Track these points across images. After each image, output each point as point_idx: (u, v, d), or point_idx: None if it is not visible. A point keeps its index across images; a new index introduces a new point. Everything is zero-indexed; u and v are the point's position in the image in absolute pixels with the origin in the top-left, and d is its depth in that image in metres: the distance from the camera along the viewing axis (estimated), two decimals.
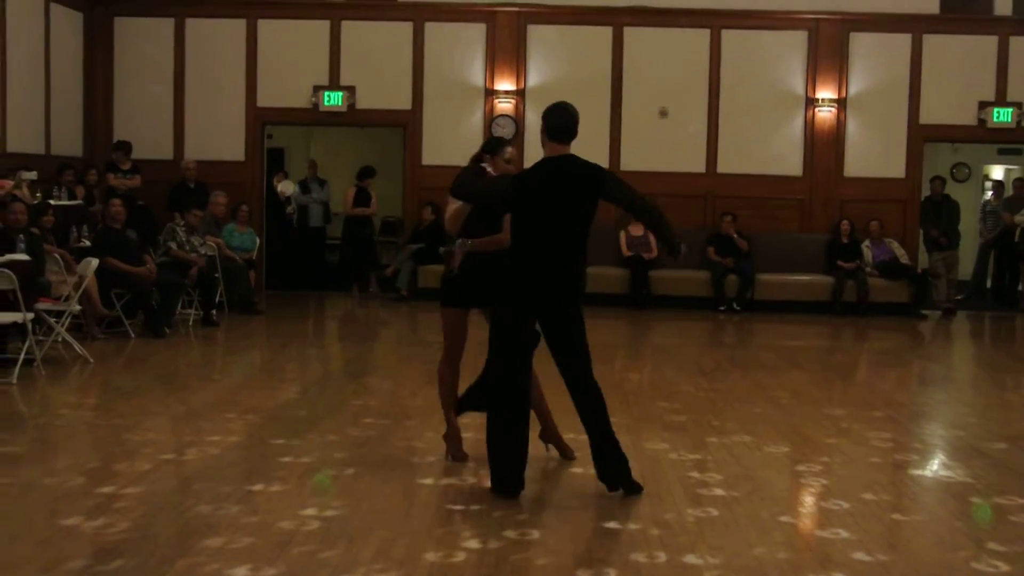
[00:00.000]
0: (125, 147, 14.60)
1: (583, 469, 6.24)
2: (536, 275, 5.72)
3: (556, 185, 5.71)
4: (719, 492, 5.95)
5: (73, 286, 10.17)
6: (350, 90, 15.58)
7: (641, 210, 6.03)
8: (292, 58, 15.68)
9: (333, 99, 15.61)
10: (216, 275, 12.92)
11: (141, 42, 15.75)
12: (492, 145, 6.52)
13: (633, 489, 5.75)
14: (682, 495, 5.88)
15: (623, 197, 5.90)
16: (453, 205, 6.31)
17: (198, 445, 6.80)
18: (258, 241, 14.69)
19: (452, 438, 6.50)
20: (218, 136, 15.69)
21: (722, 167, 15.70)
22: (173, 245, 12.49)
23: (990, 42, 15.62)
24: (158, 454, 6.58)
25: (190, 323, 12.33)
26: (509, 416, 5.73)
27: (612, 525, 5.34)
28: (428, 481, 6.05)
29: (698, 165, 15.74)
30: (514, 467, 5.69)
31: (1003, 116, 15.59)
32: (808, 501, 6.18)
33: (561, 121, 5.83)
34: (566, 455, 6.50)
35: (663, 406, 8.36)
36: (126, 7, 15.71)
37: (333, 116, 15.84)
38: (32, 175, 12.24)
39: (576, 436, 6.55)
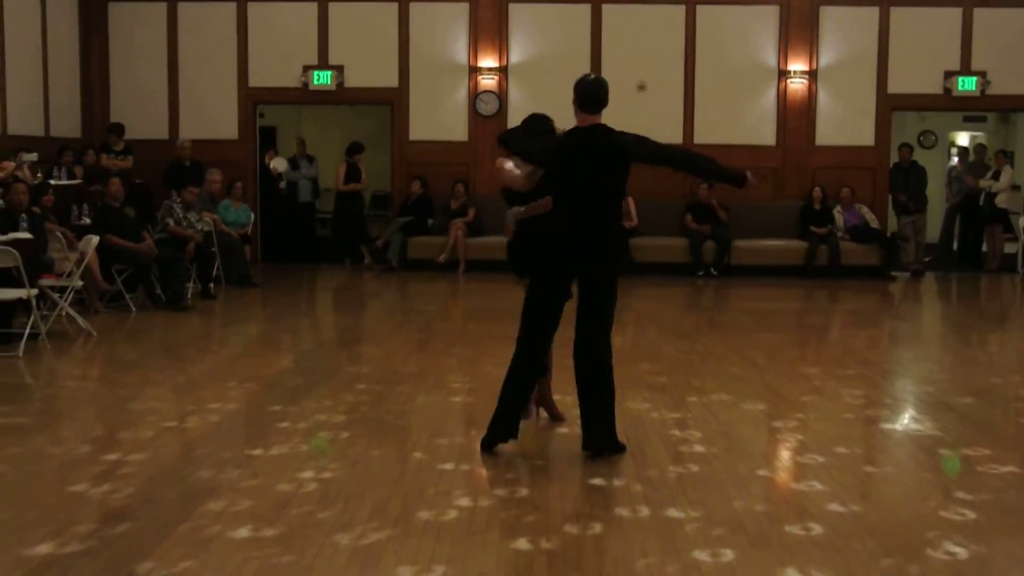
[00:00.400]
0: (118, 129, 14.97)
1: (570, 429, 6.40)
2: (572, 238, 5.76)
3: (586, 152, 5.79)
4: (699, 449, 6.08)
5: (75, 262, 10.25)
6: (338, 69, 15.98)
7: (681, 162, 6.17)
8: (282, 39, 16.07)
9: (322, 78, 16.02)
10: (213, 250, 13.26)
11: (135, 27, 16.14)
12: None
13: (617, 449, 5.87)
14: (664, 452, 6.02)
15: (651, 155, 5.91)
16: (510, 167, 6.20)
17: (199, 413, 6.90)
18: (252, 216, 15.05)
19: (543, 398, 6.61)
20: (212, 116, 16.11)
21: (698, 138, 16.02)
22: (171, 222, 12.80)
23: (954, 14, 16.00)
24: (160, 422, 6.67)
25: (189, 296, 12.50)
26: (527, 371, 5.89)
27: (598, 482, 5.44)
28: (420, 443, 6.13)
29: (675, 136, 16.06)
30: (511, 419, 5.86)
31: (967, 85, 16.01)
32: (784, 456, 6.31)
33: (590, 91, 5.90)
34: (557, 418, 6.65)
35: (645, 368, 8.54)
36: None
37: (322, 95, 16.21)
38: (33, 156, 12.52)
39: (562, 398, 6.87)
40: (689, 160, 6.19)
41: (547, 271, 5.89)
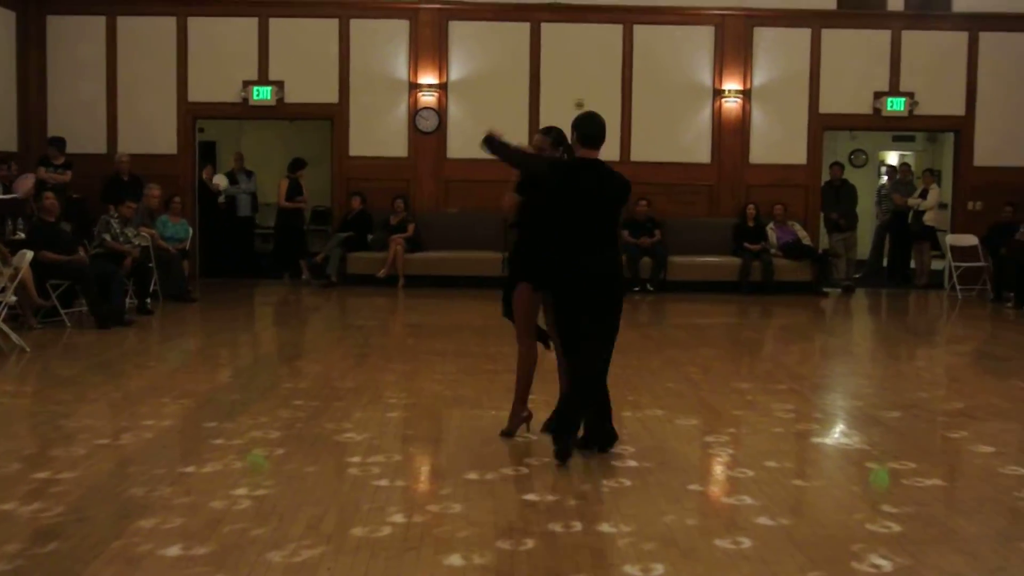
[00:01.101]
0: (59, 143, 14.84)
1: (507, 445, 6.49)
2: (584, 265, 6.17)
3: (595, 184, 6.24)
4: (632, 463, 6.12)
5: (9, 277, 10.15)
6: (279, 84, 15.98)
7: None
8: (222, 54, 16.04)
9: (262, 93, 16.01)
10: (150, 265, 13.20)
11: (74, 40, 16.01)
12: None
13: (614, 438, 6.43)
14: (598, 467, 6.05)
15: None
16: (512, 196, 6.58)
17: (133, 430, 6.81)
18: (191, 231, 15.00)
19: (516, 415, 6.71)
20: (151, 130, 16.01)
21: (635, 155, 16.25)
22: (107, 236, 12.72)
23: (884, 36, 16.39)
24: (94, 439, 6.57)
25: (126, 312, 12.39)
26: (585, 396, 6.26)
27: (531, 497, 5.45)
28: (356, 459, 6.10)
29: (612, 153, 16.24)
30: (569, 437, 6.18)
31: (896, 105, 16.38)
32: (716, 470, 6.35)
33: (592, 128, 6.37)
34: (510, 432, 6.71)
35: None
36: (58, 6, 15.96)
37: (262, 110, 16.18)
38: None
39: (483, 412, 6.98)
40: None
41: (567, 303, 6.33)
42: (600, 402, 6.39)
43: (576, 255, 6.18)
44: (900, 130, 18.44)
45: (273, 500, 5.38)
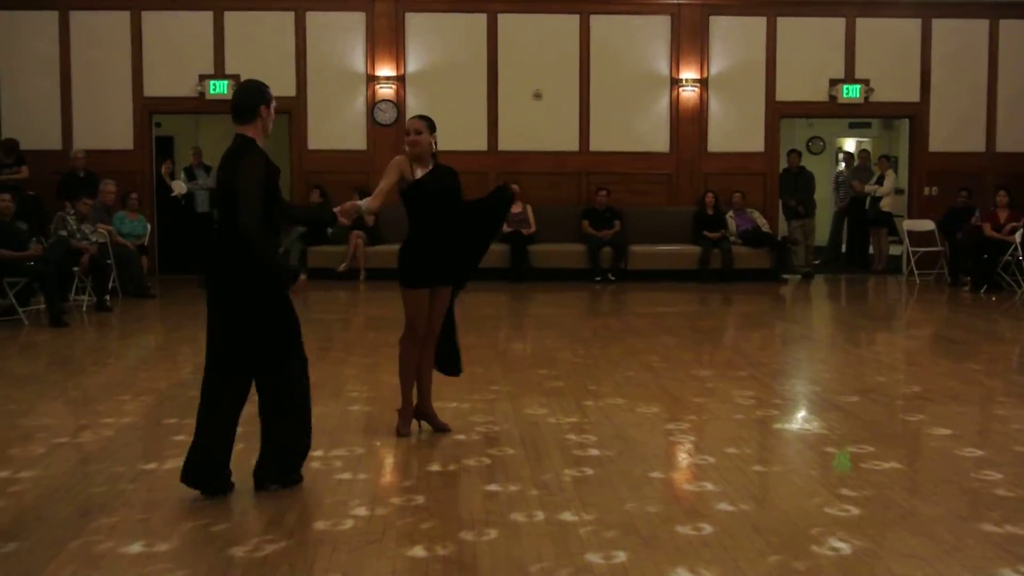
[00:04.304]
0: (8, 145, 14.72)
1: (465, 436, 6.51)
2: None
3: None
4: (594, 452, 6.15)
5: None
6: (235, 78, 15.82)
7: None
8: (177, 48, 15.96)
9: (219, 87, 15.93)
10: (108, 261, 13.14)
11: (25, 35, 15.90)
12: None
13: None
14: (559, 457, 6.06)
15: None
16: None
17: (92, 427, 6.78)
18: (149, 227, 14.92)
19: (404, 414, 6.63)
20: (106, 126, 15.93)
21: (594, 145, 16.38)
22: (64, 233, 12.66)
23: (838, 24, 16.57)
24: (52, 438, 6.55)
25: (84, 309, 12.48)
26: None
27: (493, 488, 5.47)
28: (318, 453, 6.05)
29: (571, 144, 16.42)
30: None
31: (852, 92, 16.56)
32: (677, 457, 6.35)
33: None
34: (441, 428, 6.68)
35: (543, 373, 8.62)
36: (9, 1, 15.80)
37: (220, 104, 15.83)
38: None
39: (444, 405, 6.94)
40: None
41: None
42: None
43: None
44: (856, 117, 18.61)
45: (234, 496, 5.36)
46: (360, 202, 6.30)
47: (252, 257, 5.26)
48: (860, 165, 18.10)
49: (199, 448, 5.34)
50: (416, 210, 6.41)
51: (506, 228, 15.71)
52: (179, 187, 16.41)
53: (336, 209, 6.27)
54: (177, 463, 5.76)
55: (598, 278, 15.56)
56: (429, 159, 6.42)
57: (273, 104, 5.58)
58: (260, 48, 15.96)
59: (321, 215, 7.18)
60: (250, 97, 5.49)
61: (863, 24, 16.54)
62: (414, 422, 6.69)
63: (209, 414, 5.35)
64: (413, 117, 6.59)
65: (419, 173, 6.38)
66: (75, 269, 12.53)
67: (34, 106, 15.87)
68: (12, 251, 11.40)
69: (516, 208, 15.79)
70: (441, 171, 6.46)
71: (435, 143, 6.45)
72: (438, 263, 6.44)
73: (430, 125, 6.42)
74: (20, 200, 12.93)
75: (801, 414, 7.45)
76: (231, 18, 16.01)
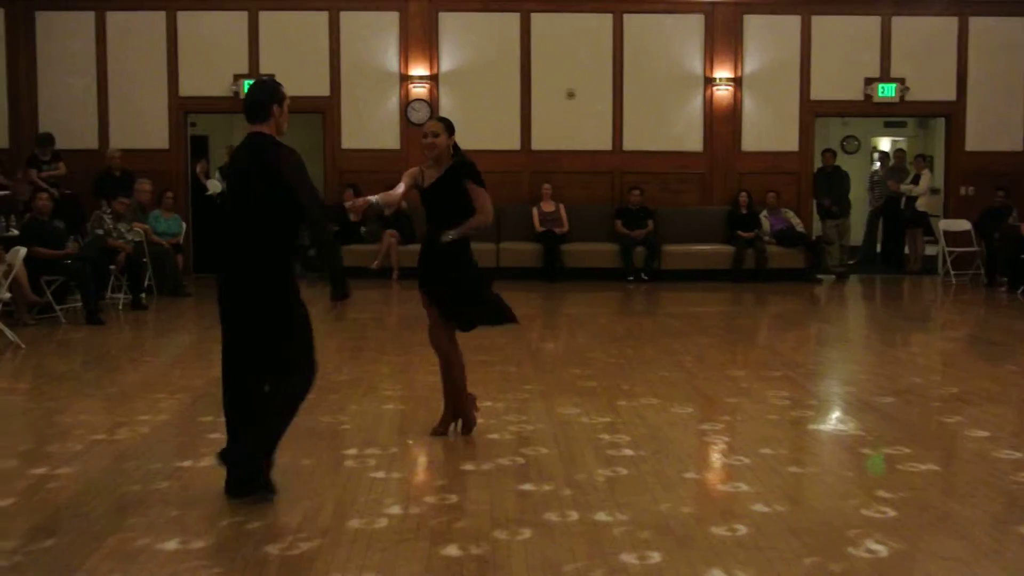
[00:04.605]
0: (46, 139, 14.84)
1: (498, 435, 6.52)
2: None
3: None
4: (628, 452, 6.13)
5: (2, 274, 10.23)
6: (270, 78, 15.96)
7: None
8: (212, 48, 16.04)
9: None
10: (144, 260, 13.21)
11: (63, 35, 16.01)
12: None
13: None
14: (593, 456, 6.05)
15: None
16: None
17: (129, 425, 6.81)
18: (184, 226, 15.02)
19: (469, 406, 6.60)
20: (142, 125, 16.03)
21: (627, 144, 16.34)
22: (100, 232, 12.74)
23: (873, 22, 16.43)
24: (89, 435, 6.57)
25: (120, 307, 12.55)
26: None
27: (527, 487, 5.46)
28: (352, 452, 6.10)
29: (604, 143, 16.38)
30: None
31: (887, 91, 16.43)
32: (711, 458, 6.34)
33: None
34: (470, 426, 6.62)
35: (575, 372, 8.60)
36: (47, 1, 15.93)
37: None
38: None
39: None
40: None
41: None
42: None
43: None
44: (891, 116, 18.47)
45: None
46: (372, 198, 6.25)
47: (325, 258, 5.46)
48: (895, 165, 17.97)
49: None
50: (426, 215, 6.46)
51: (539, 227, 15.72)
52: (214, 186, 16.48)
53: (347, 204, 6.27)
54: (212, 461, 5.79)
55: (631, 278, 15.54)
56: (447, 160, 6.33)
57: (287, 103, 5.46)
58: (294, 48, 16.01)
59: (332, 212, 7.05)
60: (263, 95, 5.38)
61: (898, 22, 16.41)
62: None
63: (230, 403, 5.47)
64: (430, 119, 6.61)
65: (429, 181, 6.33)
66: (111, 267, 12.62)
67: (71, 106, 16.00)
68: (50, 249, 11.50)
69: (549, 207, 15.80)
70: (454, 172, 6.30)
71: (454, 145, 6.34)
72: (424, 267, 6.49)
73: (448, 127, 6.33)
74: (58, 199, 13.02)
75: (836, 415, 7.42)
76: (265, 18, 16.08)
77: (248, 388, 5.42)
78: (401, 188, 6.34)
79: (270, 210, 5.25)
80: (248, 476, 5.25)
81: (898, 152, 18.45)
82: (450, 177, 6.29)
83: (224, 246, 5.43)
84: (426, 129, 6.38)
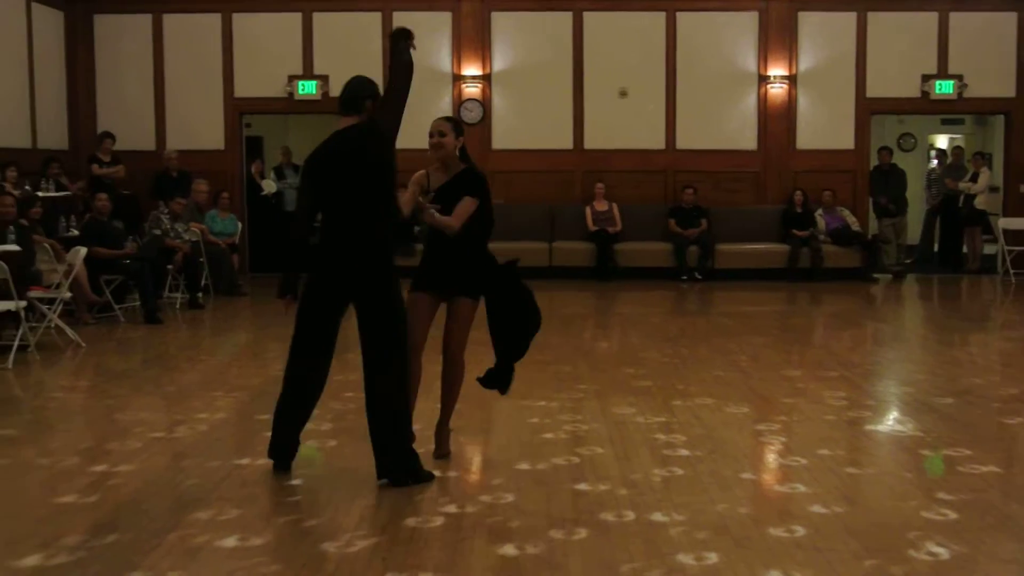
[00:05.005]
0: (108, 137, 15.03)
1: (553, 434, 6.54)
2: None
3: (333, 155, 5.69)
4: (683, 452, 6.12)
5: (63, 274, 10.32)
6: (323, 79, 16.03)
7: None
8: (267, 50, 16.16)
9: (307, 88, 16.11)
10: (200, 260, 13.37)
11: (120, 38, 16.22)
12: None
13: (413, 477, 5.56)
14: (648, 456, 6.05)
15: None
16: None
17: (187, 423, 6.91)
18: (240, 226, 15.14)
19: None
20: (198, 126, 16.19)
21: (680, 143, 16.27)
22: (158, 232, 12.88)
23: (931, 18, 16.21)
24: (149, 432, 6.67)
25: (177, 306, 12.72)
26: None
27: (583, 487, 5.46)
28: None
29: (657, 142, 16.31)
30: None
31: (945, 88, 16.22)
32: (768, 458, 6.32)
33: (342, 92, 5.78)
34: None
35: (629, 372, 8.60)
36: (105, 5, 16.15)
37: (308, 104, 16.25)
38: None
39: (531, 403, 6.98)
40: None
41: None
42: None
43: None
44: (949, 113, 18.24)
45: (327, 491, 5.43)
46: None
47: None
48: (953, 162, 17.74)
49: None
50: None
51: (592, 227, 15.69)
52: (269, 186, 16.62)
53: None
54: (270, 459, 5.87)
55: (684, 277, 15.48)
56: (456, 163, 5.97)
57: (379, 100, 5.69)
58: (348, 48, 16.05)
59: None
60: (357, 90, 5.70)
61: (956, 18, 16.17)
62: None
63: (295, 396, 5.70)
64: (438, 118, 6.23)
65: (435, 185, 5.98)
66: (169, 267, 12.76)
67: (129, 108, 16.20)
68: (109, 249, 11.68)
69: (602, 206, 15.77)
70: (462, 182, 5.91)
71: (462, 149, 6.01)
72: (440, 271, 6.00)
73: (456, 127, 6.03)
74: (116, 199, 13.19)
75: (894, 416, 7.35)
76: (319, 19, 16.17)
77: (372, 385, 5.59)
78: (407, 194, 5.99)
79: (381, 193, 5.53)
80: (411, 472, 5.49)
81: (956, 149, 18.20)
82: (458, 184, 5.91)
83: (329, 239, 5.57)
84: (433, 128, 6.05)
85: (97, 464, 5.95)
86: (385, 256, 5.55)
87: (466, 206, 5.82)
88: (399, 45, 5.64)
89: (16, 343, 9.14)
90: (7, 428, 6.98)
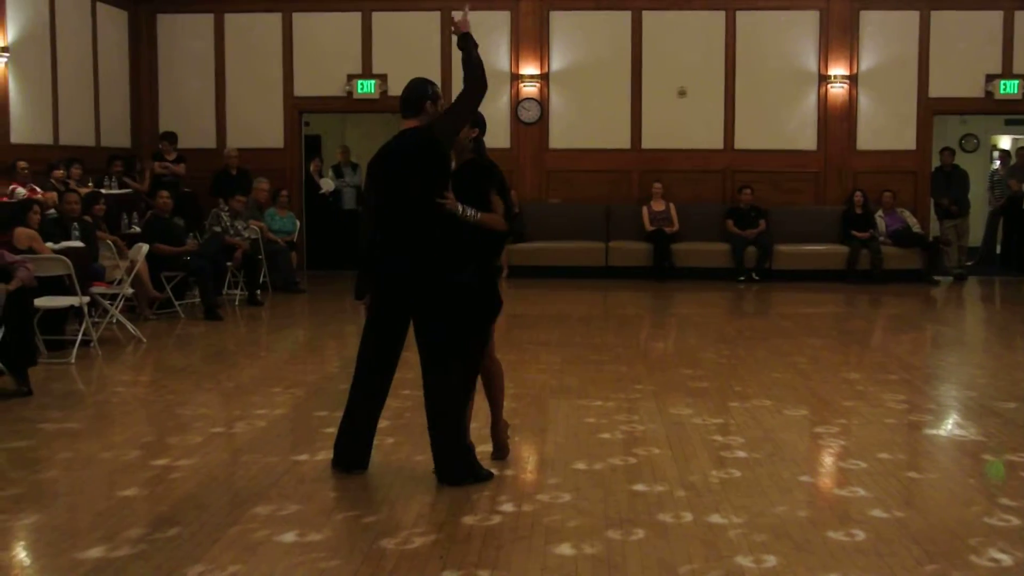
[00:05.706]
0: (170, 137, 15.20)
1: (610, 435, 6.52)
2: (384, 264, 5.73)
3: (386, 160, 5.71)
4: (741, 454, 6.09)
5: (125, 270, 10.44)
6: (382, 78, 16.12)
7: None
8: (326, 49, 16.28)
9: (366, 87, 16.20)
10: (260, 257, 13.47)
11: (183, 37, 16.43)
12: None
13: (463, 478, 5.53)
14: (706, 458, 6.03)
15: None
16: None
17: (246, 418, 6.97)
18: (298, 224, 15.26)
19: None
20: (258, 125, 16.35)
21: (739, 143, 16.16)
22: (218, 229, 13.01)
23: (995, 17, 15.95)
24: (209, 427, 6.75)
25: (236, 303, 12.84)
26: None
27: (640, 488, 5.44)
28: None
29: (716, 142, 16.22)
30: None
31: (1009, 88, 15.94)
32: (827, 461, 6.25)
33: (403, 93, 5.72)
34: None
35: (687, 373, 8.58)
36: (168, 4, 16.35)
37: (366, 103, 16.34)
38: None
39: (588, 403, 7.00)
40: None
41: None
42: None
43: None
44: (1013, 113, 17.88)
45: (385, 488, 5.46)
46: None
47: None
48: (1017, 163, 17.45)
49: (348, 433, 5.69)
50: None
51: (649, 227, 15.64)
52: (327, 185, 16.73)
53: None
54: (327, 455, 5.92)
55: (742, 277, 15.38)
56: (466, 153, 5.78)
57: (440, 102, 5.66)
58: (407, 48, 16.13)
59: None
60: (415, 92, 5.64)
61: (1021, 16, 15.88)
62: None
63: (365, 399, 5.66)
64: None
65: None
66: (228, 264, 12.88)
67: (190, 106, 16.41)
68: (170, 246, 11.80)
69: (659, 206, 15.72)
70: (471, 170, 5.76)
71: (477, 140, 5.76)
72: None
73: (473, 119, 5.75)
74: (178, 197, 13.35)
75: (956, 420, 7.25)
76: (378, 18, 16.25)
77: (427, 386, 5.64)
78: None
79: (431, 199, 5.49)
80: (468, 471, 5.52)
81: (1020, 151, 17.90)
82: (467, 172, 5.75)
83: (385, 240, 5.57)
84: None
85: (158, 458, 6.02)
86: (437, 259, 5.51)
87: (495, 204, 5.77)
88: (467, 48, 5.63)
89: (79, 338, 9.23)
90: (70, 422, 7.05)
